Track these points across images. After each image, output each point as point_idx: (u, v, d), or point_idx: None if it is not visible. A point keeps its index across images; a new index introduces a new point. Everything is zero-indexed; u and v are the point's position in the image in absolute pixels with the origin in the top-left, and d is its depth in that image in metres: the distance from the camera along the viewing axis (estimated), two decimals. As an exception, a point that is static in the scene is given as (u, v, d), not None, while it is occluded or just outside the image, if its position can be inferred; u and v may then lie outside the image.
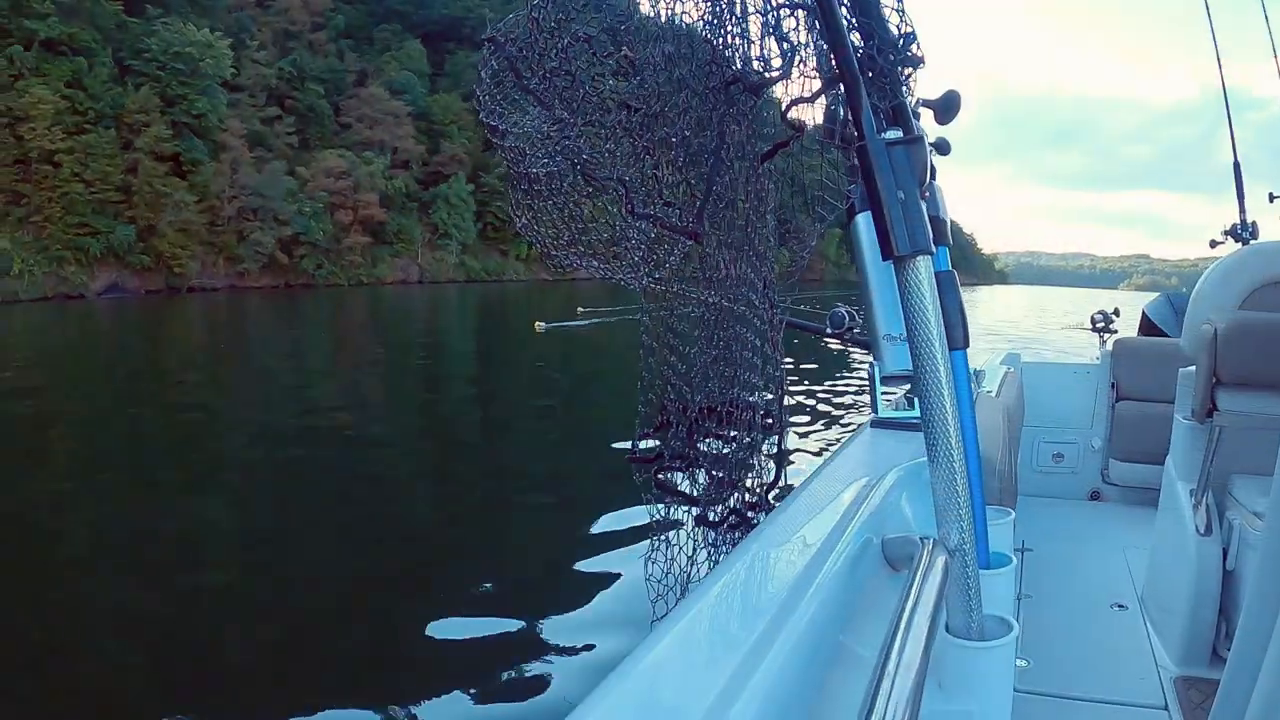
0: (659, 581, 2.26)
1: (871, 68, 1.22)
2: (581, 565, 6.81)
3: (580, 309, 33.62)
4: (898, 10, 1.19)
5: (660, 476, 2.07)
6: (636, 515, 7.39)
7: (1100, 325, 5.60)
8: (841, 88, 1.23)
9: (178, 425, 13.71)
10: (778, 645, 0.93)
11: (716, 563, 2.19)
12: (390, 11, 77.72)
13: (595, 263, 1.72)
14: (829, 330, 3.62)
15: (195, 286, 52.95)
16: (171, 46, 53.29)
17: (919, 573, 1.07)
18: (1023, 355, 5.26)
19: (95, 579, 6.83)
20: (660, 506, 2.20)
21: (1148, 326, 5.88)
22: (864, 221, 2.29)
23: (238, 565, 7.26)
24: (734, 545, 2.15)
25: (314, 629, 5.84)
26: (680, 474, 2.08)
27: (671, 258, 1.62)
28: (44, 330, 31.32)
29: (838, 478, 1.72)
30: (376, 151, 66.79)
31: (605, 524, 7.75)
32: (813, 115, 1.83)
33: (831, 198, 2.14)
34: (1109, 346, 5.27)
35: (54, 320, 35.24)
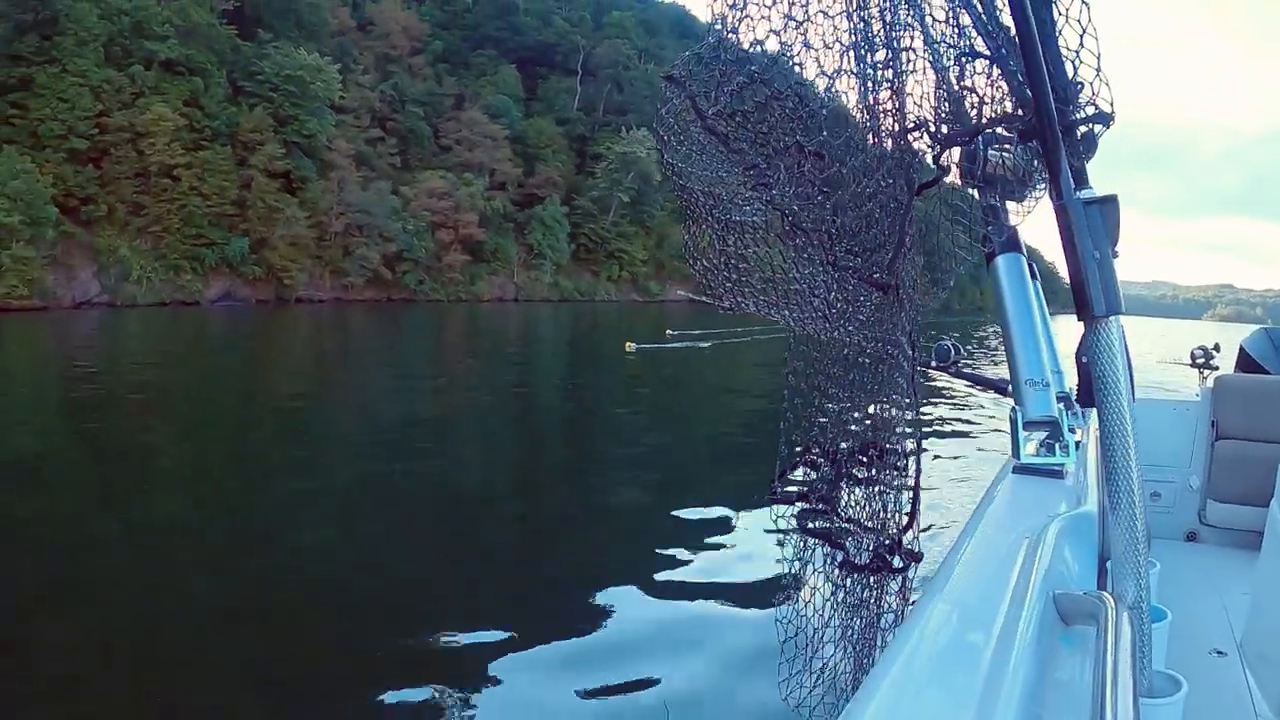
0: (789, 622, 2.23)
1: (1066, 124, 1.21)
2: (697, 594, 6.68)
3: (669, 331, 33.88)
4: (1096, 70, 1.18)
5: (802, 520, 2.05)
6: (755, 552, 7.27)
7: (1200, 361, 5.38)
8: (1038, 142, 1.22)
9: (282, 428, 14.20)
10: None
11: (851, 605, 2.16)
12: (485, 38, 79.67)
13: (787, 312, 1.71)
14: (934, 364, 3.51)
15: (303, 298, 55.06)
16: (283, 69, 55.65)
17: (1110, 634, 1.05)
18: None
19: (193, 570, 7.13)
20: (794, 546, 2.18)
21: (1245, 362, 5.60)
22: (1004, 264, 2.23)
23: (331, 565, 7.44)
24: (869, 588, 2.12)
25: (405, 634, 5.93)
26: (820, 515, 2.06)
27: (864, 310, 1.62)
28: (161, 333, 32.90)
29: (997, 530, 1.69)
30: (476, 173, 68.37)
31: (711, 548, 7.67)
32: (951, 156, 1.82)
33: (971, 239, 2.12)
34: (1209, 383, 5.05)
35: (170, 325, 37.03)
